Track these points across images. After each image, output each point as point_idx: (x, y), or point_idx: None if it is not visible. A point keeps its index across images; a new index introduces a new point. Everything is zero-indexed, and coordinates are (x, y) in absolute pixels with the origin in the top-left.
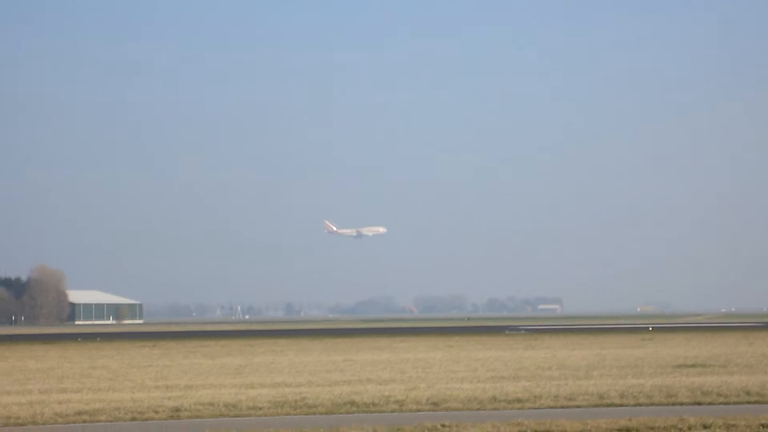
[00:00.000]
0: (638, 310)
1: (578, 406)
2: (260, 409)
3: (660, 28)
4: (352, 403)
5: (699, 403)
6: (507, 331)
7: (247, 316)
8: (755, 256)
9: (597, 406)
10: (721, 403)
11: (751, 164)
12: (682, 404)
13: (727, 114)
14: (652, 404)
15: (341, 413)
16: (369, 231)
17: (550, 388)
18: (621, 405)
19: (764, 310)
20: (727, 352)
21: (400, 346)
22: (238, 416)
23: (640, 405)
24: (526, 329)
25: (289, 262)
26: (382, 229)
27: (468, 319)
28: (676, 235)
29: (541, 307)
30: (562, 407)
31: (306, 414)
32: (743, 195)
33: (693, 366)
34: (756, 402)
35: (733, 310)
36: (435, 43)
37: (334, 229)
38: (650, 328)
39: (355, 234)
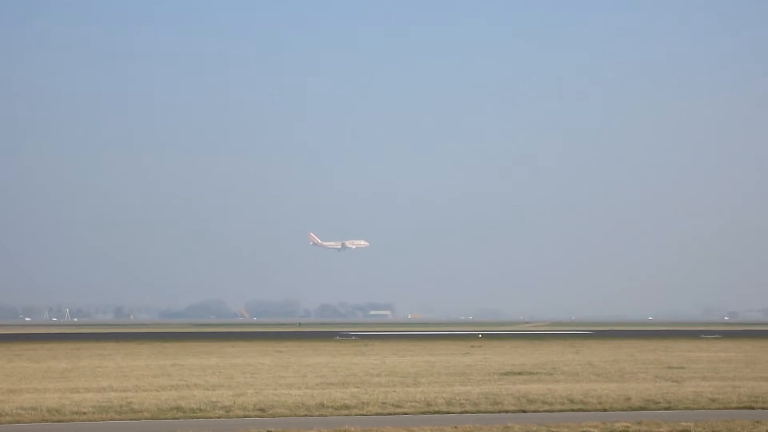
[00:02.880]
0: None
1: (405, 413)
2: (84, 413)
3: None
4: (178, 408)
5: (524, 411)
6: (338, 337)
7: (75, 319)
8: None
9: (424, 413)
10: (545, 411)
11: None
12: (507, 412)
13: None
14: (479, 412)
15: (167, 419)
16: (352, 244)
17: (378, 395)
18: (448, 412)
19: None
20: (553, 360)
21: (230, 351)
22: (61, 421)
23: (466, 412)
24: (357, 335)
25: (120, 264)
26: (364, 243)
27: (300, 324)
28: (511, 242)
29: (372, 312)
30: (389, 414)
31: (131, 419)
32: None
33: (520, 374)
34: (579, 410)
35: (573, 318)
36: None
37: (319, 241)
38: (480, 335)
39: (339, 246)
